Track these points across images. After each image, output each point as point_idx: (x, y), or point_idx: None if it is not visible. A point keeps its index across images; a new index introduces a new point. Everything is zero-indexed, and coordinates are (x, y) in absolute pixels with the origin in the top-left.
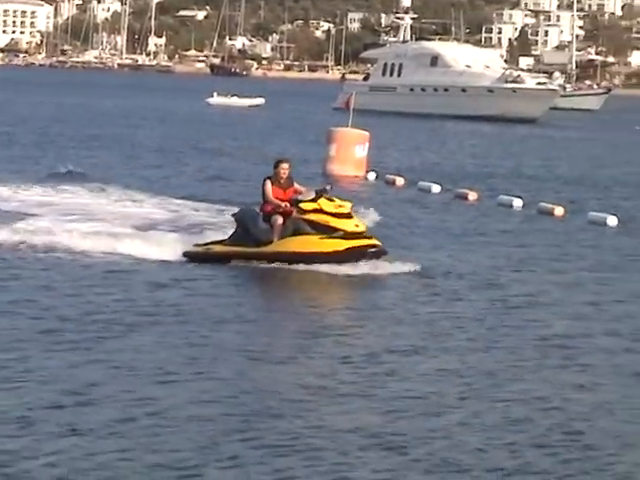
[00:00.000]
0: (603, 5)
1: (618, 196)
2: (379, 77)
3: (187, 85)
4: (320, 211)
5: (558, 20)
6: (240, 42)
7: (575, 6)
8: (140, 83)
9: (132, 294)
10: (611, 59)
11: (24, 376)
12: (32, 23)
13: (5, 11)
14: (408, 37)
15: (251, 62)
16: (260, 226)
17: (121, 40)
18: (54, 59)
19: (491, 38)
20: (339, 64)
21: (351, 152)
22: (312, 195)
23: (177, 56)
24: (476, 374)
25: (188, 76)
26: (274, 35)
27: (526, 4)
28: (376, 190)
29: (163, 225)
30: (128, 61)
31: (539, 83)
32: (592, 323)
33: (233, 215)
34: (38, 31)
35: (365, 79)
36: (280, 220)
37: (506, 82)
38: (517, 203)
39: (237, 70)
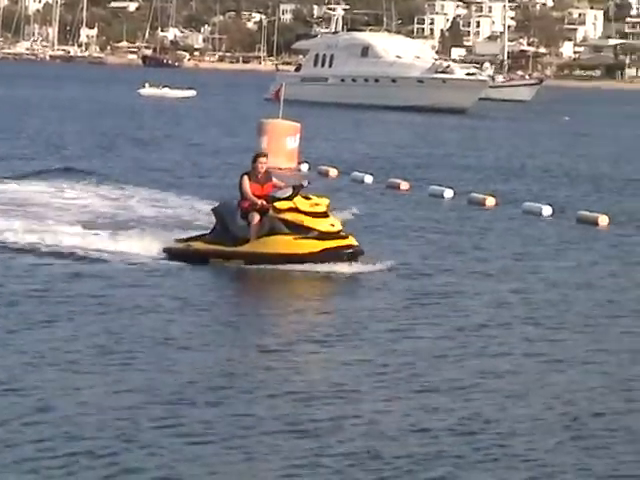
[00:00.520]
0: None
1: (549, 186)
2: (311, 68)
3: (119, 76)
4: (295, 210)
5: (490, 11)
6: (172, 33)
7: None
8: (72, 74)
9: (54, 285)
10: (543, 50)
11: None
12: None
13: None
14: (340, 28)
15: (183, 53)
16: (238, 222)
17: (53, 32)
18: None
19: (423, 29)
20: (271, 55)
21: (282, 144)
22: (289, 191)
23: (109, 47)
24: (395, 363)
25: (120, 67)
26: (206, 26)
27: None
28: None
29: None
30: (60, 52)
31: (468, 74)
32: (513, 311)
33: (213, 209)
34: None
35: (297, 70)
36: (257, 218)
37: (436, 73)
38: (448, 194)
39: (169, 61)
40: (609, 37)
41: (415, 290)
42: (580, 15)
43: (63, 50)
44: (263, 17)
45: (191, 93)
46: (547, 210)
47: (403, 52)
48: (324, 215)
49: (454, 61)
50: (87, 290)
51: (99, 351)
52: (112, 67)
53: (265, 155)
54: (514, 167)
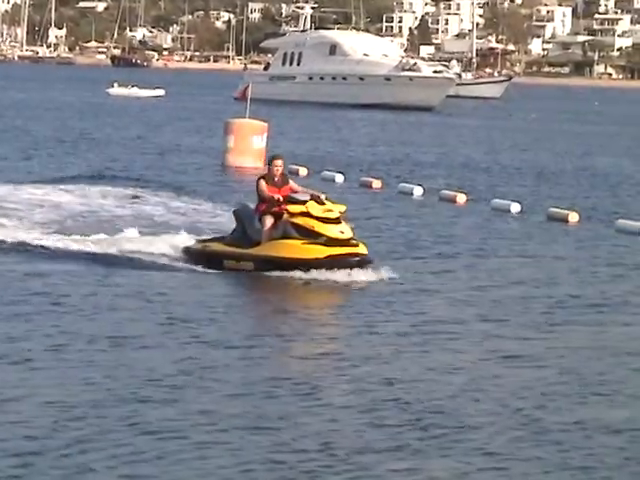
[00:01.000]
0: None
1: (518, 183)
2: (279, 66)
3: (88, 76)
4: (307, 214)
5: (458, 8)
6: (141, 33)
7: None
8: (41, 75)
9: (10, 284)
10: (511, 47)
11: None
12: None
13: None
14: (308, 26)
15: (152, 53)
16: (255, 225)
17: (21, 32)
18: None
19: (392, 27)
20: (240, 54)
21: (249, 143)
22: (307, 197)
23: (78, 48)
24: (354, 358)
25: (89, 67)
26: (174, 26)
27: None
28: None
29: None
30: (29, 53)
31: (435, 71)
32: (474, 308)
33: (233, 212)
34: None
35: (266, 69)
36: (269, 221)
37: (403, 70)
38: (417, 191)
39: (138, 61)
40: (577, 34)
41: (379, 287)
42: (548, 12)
43: (32, 51)
44: (232, 16)
45: (160, 92)
46: (515, 207)
47: (371, 50)
48: (336, 221)
49: (422, 59)
50: (45, 288)
51: (56, 349)
52: (81, 67)
53: (281, 157)
54: (483, 164)
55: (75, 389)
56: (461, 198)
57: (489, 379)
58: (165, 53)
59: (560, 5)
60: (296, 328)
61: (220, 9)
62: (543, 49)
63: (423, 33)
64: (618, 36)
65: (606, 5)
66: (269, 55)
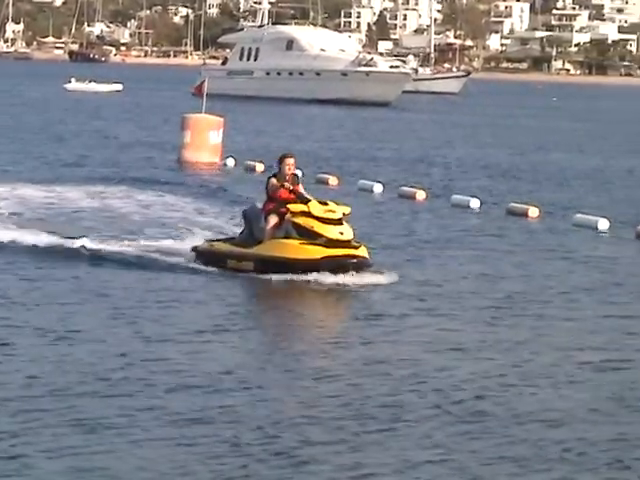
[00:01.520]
0: None
1: (476, 178)
2: (236, 62)
3: (45, 71)
4: (308, 214)
5: (416, 4)
6: (98, 28)
7: None
8: None
9: None
10: (469, 42)
11: None
12: None
13: None
14: (265, 22)
15: (110, 48)
16: (261, 225)
17: None
18: None
19: (350, 22)
20: (198, 49)
21: (205, 138)
22: (311, 197)
23: (35, 43)
24: (287, 352)
25: (47, 63)
26: (132, 21)
27: None
28: (237, 177)
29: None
30: None
31: (392, 66)
32: (419, 302)
33: (242, 212)
34: None
35: (223, 64)
36: (273, 220)
37: (359, 66)
38: (377, 188)
39: (96, 56)
40: (535, 30)
41: (323, 281)
42: (507, 7)
43: None
44: (189, 11)
45: (117, 87)
46: (475, 203)
47: (327, 45)
48: (337, 222)
49: (380, 54)
50: None
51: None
52: (38, 62)
53: (292, 156)
54: (440, 160)
55: (14, 382)
56: (420, 195)
57: (433, 371)
58: (123, 48)
59: (518, 1)
60: (244, 324)
61: (178, 4)
62: (501, 45)
63: (381, 28)
64: (576, 32)
65: (564, 1)
66: (227, 50)
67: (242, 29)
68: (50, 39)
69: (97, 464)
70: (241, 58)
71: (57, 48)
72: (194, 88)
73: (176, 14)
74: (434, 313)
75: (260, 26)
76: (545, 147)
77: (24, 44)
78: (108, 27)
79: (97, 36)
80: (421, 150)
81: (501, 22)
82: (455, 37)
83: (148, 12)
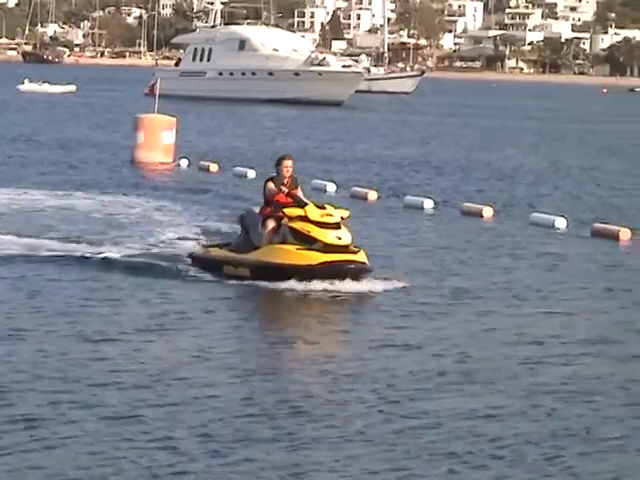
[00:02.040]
0: None
1: (429, 178)
2: (189, 62)
3: None
4: (304, 218)
5: (370, 3)
6: (52, 29)
7: None
8: None
9: None
10: (423, 42)
11: None
12: None
13: None
14: (218, 22)
15: (63, 49)
16: (258, 230)
17: None
18: None
19: (304, 22)
20: (152, 50)
21: (158, 138)
22: (308, 202)
23: None
24: (223, 351)
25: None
26: (86, 22)
27: None
28: (192, 177)
29: None
30: None
31: (344, 66)
32: (359, 301)
33: (239, 217)
34: None
35: (177, 64)
36: (271, 225)
37: (312, 65)
38: (330, 188)
39: (49, 57)
40: (489, 28)
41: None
42: (460, 7)
43: None
44: (143, 12)
45: (70, 88)
46: (429, 203)
47: (280, 45)
48: (334, 227)
49: (334, 54)
50: None
51: None
52: None
53: (290, 158)
54: (392, 159)
55: None
56: (372, 195)
57: (375, 369)
58: (76, 49)
59: (471, 0)
60: (186, 323)
61: (131, 4)
62: (455, 44)
63: (335, 28)
64: (529, 30)
65: (517, 0)
66: (181, 51)
67: (195, 30)
68: (3, 40)
69: (31, 462)
70: (194, 59)
71: (10, 49)
72: (148, 89)
73: (129, 14)
74: (380, 310)
75: (213, 26)
76: (497, 146)
77: None
78: (61, 28)
79: (50, 37)
80: (373, 150)
81: (455, 21)
82: (409, 36)
83: (101, 13)
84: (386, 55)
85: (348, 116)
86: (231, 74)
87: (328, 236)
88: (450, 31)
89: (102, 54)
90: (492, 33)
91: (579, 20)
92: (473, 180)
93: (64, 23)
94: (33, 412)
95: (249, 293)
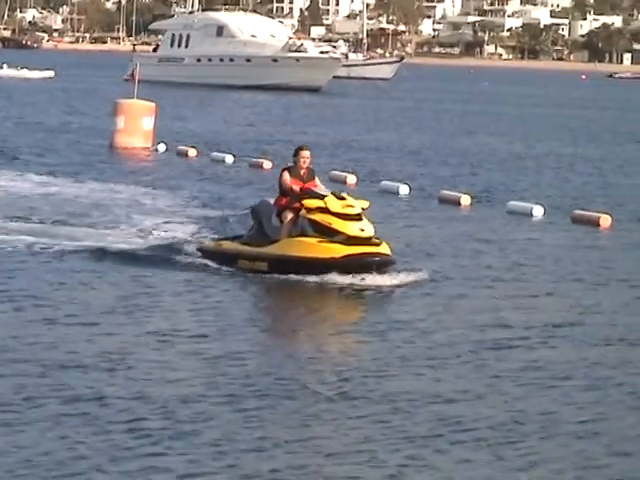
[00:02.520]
0: None
1: (406, 164)
2: (167, 48)
3: None
4: (325, 210)
5: None
6: (31, 14)
7: None
8: None
9: None
10: (402, 28)
11: None
12: None
13: None
14: (196, 7)
15: (42, 35)
16: (272, 222)
17: None
18: None
19: (282, 8)
20: (131, 36)
21: (139, 124)
22: (328, 192)
23: None
24: (179, 334)
25: None
26: (64, 7)
27: None
28: (169, 162)
29: None
30: None
31: (322, 52)
32: (327, 286)
33: (251, 208)
34: None
35: (155, 50)
36: (289, 216)
37: (289, 51)
38: None
39: (28, 43)
40: (468, 14)
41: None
42: None
43: None
44: None
45: (49, 74)
46: (404, 189)
47: (258, 31)
48: (356, 218)
49: (313, 40)
50: None
51: None
52: None
53: (308, 148)
54: (369, 144)
55: None
56: (351, 179)
57: (336, 353)
58: (55, 35)
59: None
60: (151, 306)
61: None
62: (434, 30)
63: (314, 14)
64: (508, 16)
65: None
66: (160, 36)
67: (174, 15)
68: None
69: None
70: (172, 45)
71: None
72: (128, 74)
73: (108, 0)
74: (342, 294)
75: (191, 12)
76: (474, 132)
77: None
78: (40, 13)
79: (29, 22)
80: (349, 135)
81: (433, 7)
82: (387, 22)
83: None
84: (365, 41)
85: (326, 102)
86: (209, 60)
87: (351, 228)
88: (429, 17)
89: (81, 39)
90: (471, 19)
91: (558, 6)
92: (450, 166)
93: (43, 8)
94: None
95: (223, 278)
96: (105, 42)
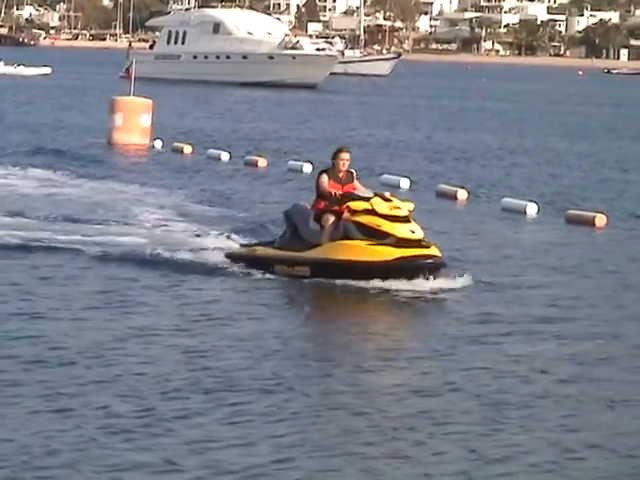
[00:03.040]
0: None
1: (405, 159)
2: (164, 45)
3: None
4: (371, 212)
5: None
6: (27, 12)
7: None
8: None
9: None
10: (399, 24)
11: None
12: None
13: None
14: (193, 4)
15: (39, 32)
16: (310, 226)
17: None
18: None
19: (279, 4)
20: (128, 32)
21: (137, 121)
22: (370, 193)
23: None
24: (160, 328)
25: None
26: (61, 4)
27: None
28: (165, 159)
29: None
30: None
31: (318, 49)
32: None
33: (284, 212)
34: None
35: (151, 47)
36: (331, 219)
37: (285, 48)
38: (307, 168)
39: (25, 40)
40: (465, 10)
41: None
42: None
43: None
44: None
45: (46, 70)
46: (405, 183)
47: (254, 28)
48: (405, 220)
49: (310, 37)
50: None
51: None
52: None
53: (348, 150)
54: (367, 140)
55: None
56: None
57: (306, 344)
58: (52, 32)
59: None
60: (129, 301)
61: None
62: (431, 26)
63: (311, 10)
64: (505, 12)
65: None
66: (156, 33)
67: (170, 12)
68: None
69: None
70: (168, 42)
71: None
72: (124, 71)
73: None
74: (322, 287)
75: (187, 9)
76: (471, 128)
77: None
78: (37, 10)
79: (26, 20)
80: (346, 131)
81: (430, 3)
82: (385, 19)
83: None
84: (362, 37)
85: (322, 98)
86: (205, 57)
87: (401, 230)
88: (426, 13)
89: (78, 36)
90: (468, 15)
91: (555, 2)
92: (447, 162)
93: (40, 5)
94: None
95: (205, 273)
96: (104, 39)
